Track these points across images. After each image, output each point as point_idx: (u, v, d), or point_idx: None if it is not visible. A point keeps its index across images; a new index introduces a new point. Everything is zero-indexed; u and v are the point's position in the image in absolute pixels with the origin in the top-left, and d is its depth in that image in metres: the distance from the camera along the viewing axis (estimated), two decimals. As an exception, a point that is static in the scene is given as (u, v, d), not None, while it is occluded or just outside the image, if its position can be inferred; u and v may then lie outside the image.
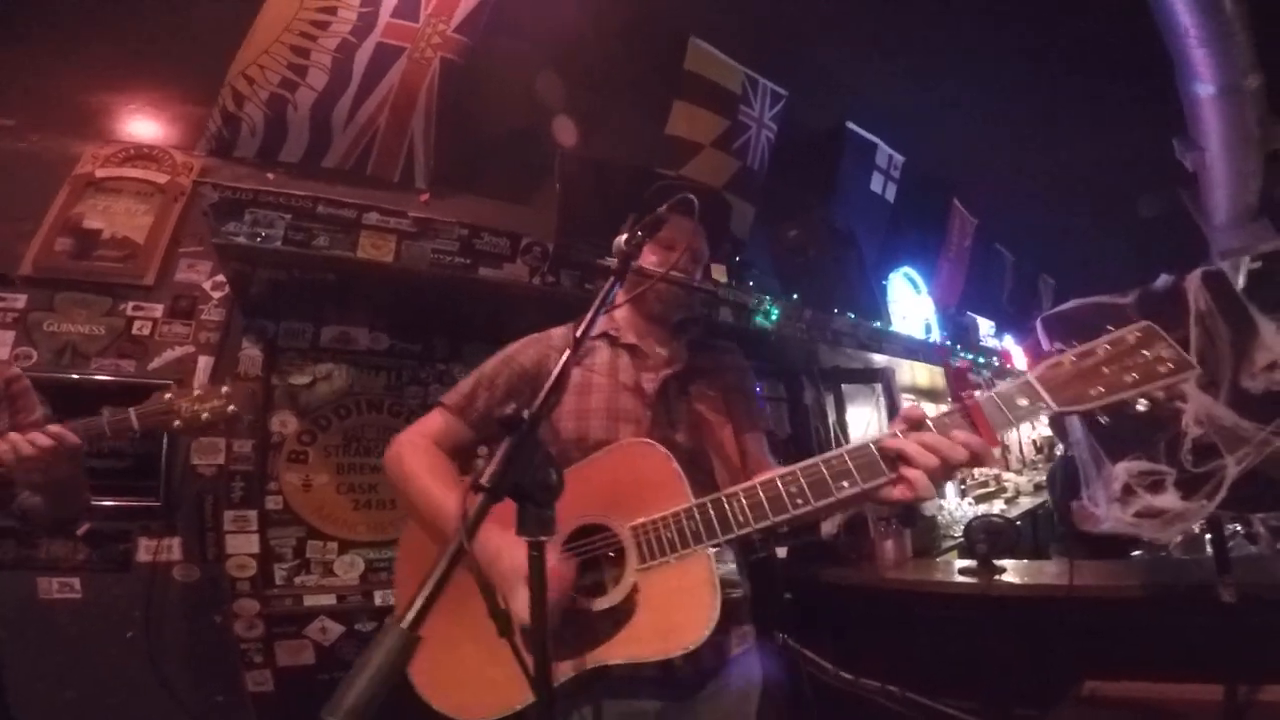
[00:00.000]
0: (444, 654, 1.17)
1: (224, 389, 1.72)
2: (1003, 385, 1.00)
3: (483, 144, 3.59)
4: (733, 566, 1.29)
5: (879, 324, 4.44)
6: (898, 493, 0.99)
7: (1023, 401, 0.98)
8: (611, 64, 3.67)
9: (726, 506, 1.10)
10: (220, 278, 2.90)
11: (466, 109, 3.41)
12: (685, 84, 3.99)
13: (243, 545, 2.66)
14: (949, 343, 4.99)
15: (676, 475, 1.18)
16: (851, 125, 4.75)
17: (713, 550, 1.11)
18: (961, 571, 2.82)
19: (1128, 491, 1.74)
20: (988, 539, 2.81)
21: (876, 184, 5.08)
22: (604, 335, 1.47)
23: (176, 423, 1.64)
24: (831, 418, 4.04)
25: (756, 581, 1.44)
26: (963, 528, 3.15)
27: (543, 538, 0.82)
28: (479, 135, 3.55)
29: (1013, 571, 2.72)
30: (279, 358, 2.99)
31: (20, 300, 2.54)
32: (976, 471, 5.24)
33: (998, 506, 4.78)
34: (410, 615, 0.66)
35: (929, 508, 3.82)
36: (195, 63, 2.80)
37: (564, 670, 1.11)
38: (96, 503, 2.29)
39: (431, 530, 1.28)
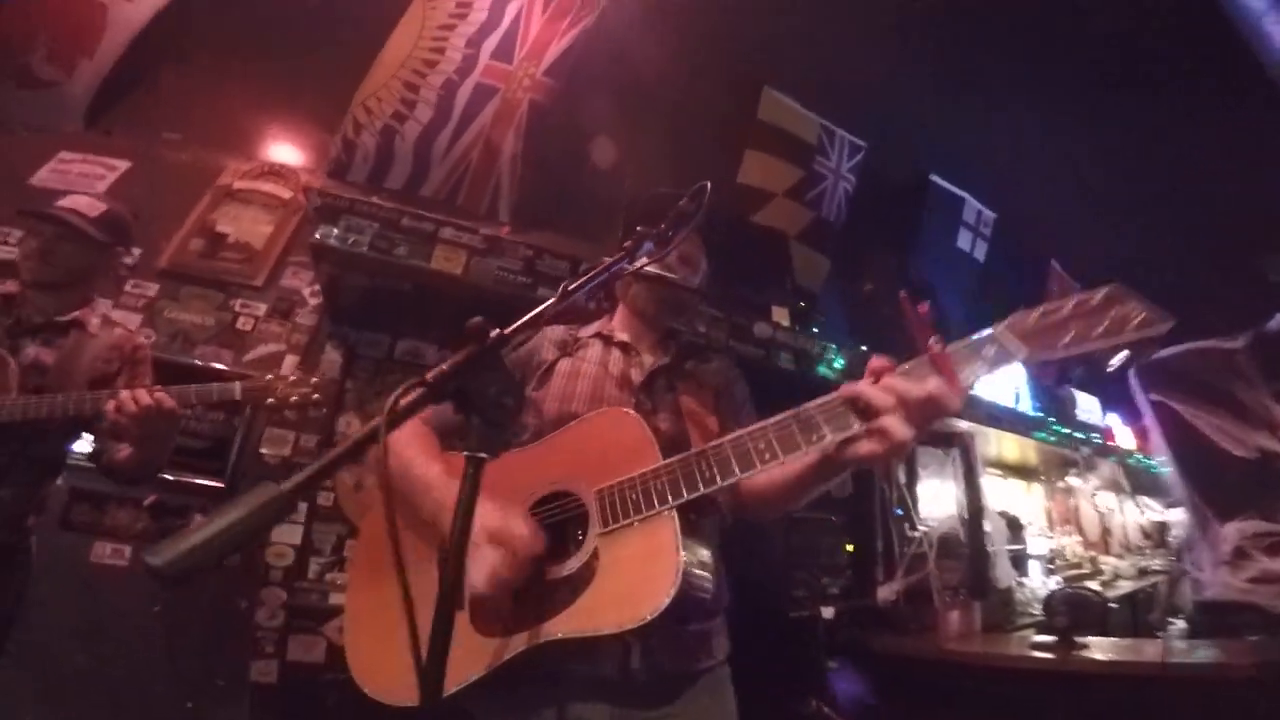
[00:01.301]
0: (381, 635, 1.17)
1: (314, 379, 1.90)
2: (970, 337, 0.95)
3: (560, 183, 3.83)
4: (706, 555, 1.16)
5: None
6: (867, 446, 0.93)
7: (989, 350, 0.93)
8: (685, 111, 3.86)
9: (694, 463, 1.06)
10: (316, 286, 3.23)
11: (548, 149, 3.70)
12: (758, 133, 4.11)
13: (286, 535, 2.75)
14: (1041, 414, 4.53)
15: (647, 439, 1.15)
16: (936, 178, 4.65)
17: (677, 513, 1.04)
18: (1036, 646, 2.46)
19: (1240, 555, 1.50)
20: (1069, 611, 2.47)
21: (964, 241, 4.88)
22: (598, 335, 1.51)
23: (270, 400, 1.81)
24: (901, 480, 3.73)
25: (796, 643, 1.36)
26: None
27: (481, 455, 0.79)
28: (557, 174, 3.81)
29: (1096, 648, 2.34)
30: (356, 364, 3.23)
31: (153, 289, 2.95)
32: (1069, 551, 4.61)
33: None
34: (292, 481, 0.66)
35: (1003, 579, 3.40)
36: (326, 94, 3.27)
37: (515, 645, 1.06)
38: (167, 477, 2.60)
39: (402, 498, 1.26)
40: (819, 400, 1.00)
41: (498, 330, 0.82)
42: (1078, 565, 4.54)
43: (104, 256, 1.94)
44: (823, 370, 3.63)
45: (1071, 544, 4.80)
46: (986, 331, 0.94)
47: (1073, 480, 5.07)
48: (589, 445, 1.22)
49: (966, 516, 3.42)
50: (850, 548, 3.35)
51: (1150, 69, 3.58)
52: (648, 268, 1.38)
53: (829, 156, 4.33)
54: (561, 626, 1.03)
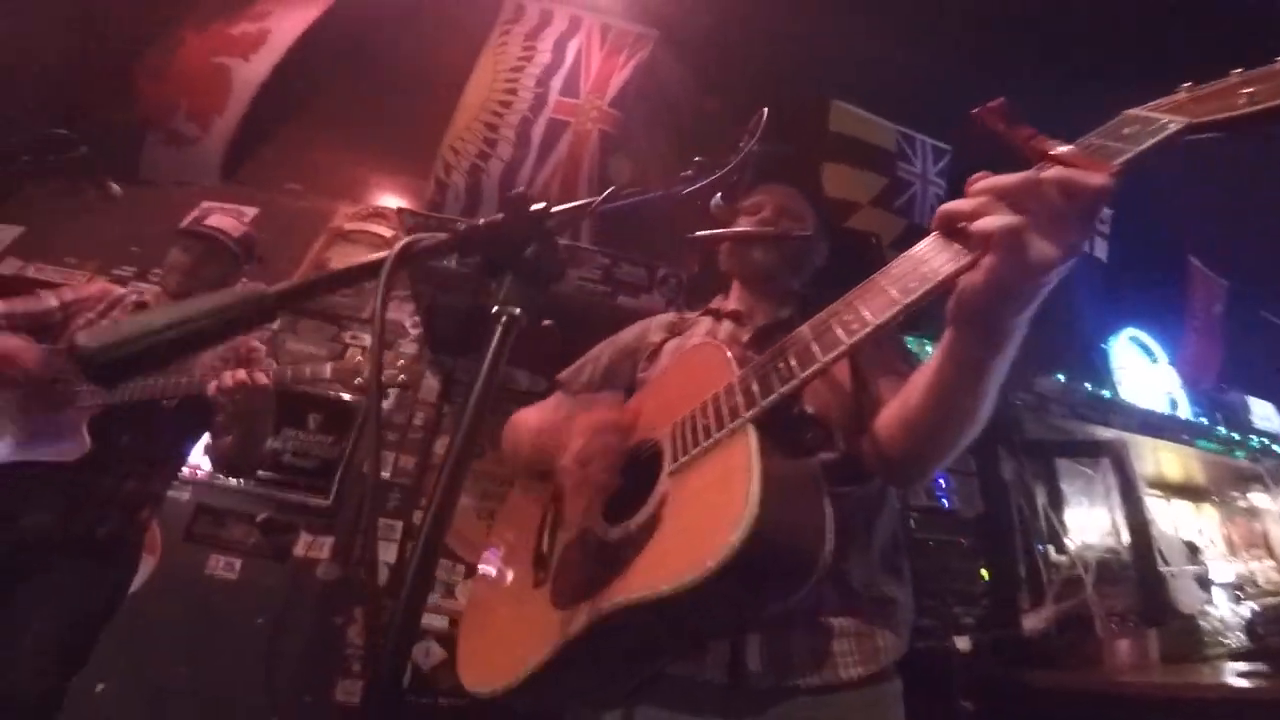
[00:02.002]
0: (480, 625, 1.13)
1: (400, 362, 1.98)
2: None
3: (634, 206, 3.94)
4: (807, 483, 0.83)
5: (1103, 391, 3.61)
6: (985, 264, 0.64)
7: (1131, 128, 0.67)
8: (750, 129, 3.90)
9: (768, 362, 0.84)
10: (417, 317, 3.46)
11: (620, 174, 3.85)
12: (833, 146, 4.06)
13: (383, 553, 2.81)
14: (1205, 420, 3.82)
15: (724, 359, 0.96)
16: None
17: (756, 431, 0.79)
18: (1243, 674, 1.95)
19: None
20: (1284, 632, 1.94)
21: None
22: (707, 312, 1.42)
23: (358, 379, 1.89)
24: (1041, 499, 3.24)
25: (923, 680, 1.14)
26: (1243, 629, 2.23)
27: (516, 310, 0.68)
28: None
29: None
30: (453, 389, 3.38)
31: (276, 322, 3.27)
32: (1260, 577, 3.69)
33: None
34: (279, 287, 0.60)
35: (1186, 604, 2.80)
36: (420, 140, 3.62)
37: (578, 622, 0.86)
38: (279, 495, 2.80)
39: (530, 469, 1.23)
40: (904, 254, 0.74)
41: (543, 204, 0.72)
42: (1274, 593, 3.67)
43: (236, 272, 2.18)
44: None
45: (1263, 569, 3.99)
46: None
47: (1257, 499, 4.23)
48: (671, 386, 1.10)
49: (1129, 536, 2.99)
50: (986, 573, 2.93)
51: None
52: (738, 230, 1.35)
53: (912, 162, 4.18)
54: (622, 591, 0.80)
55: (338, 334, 3.37)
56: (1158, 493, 3.79)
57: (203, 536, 2.74)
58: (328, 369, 1.89)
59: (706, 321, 1.38)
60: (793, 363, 0.81)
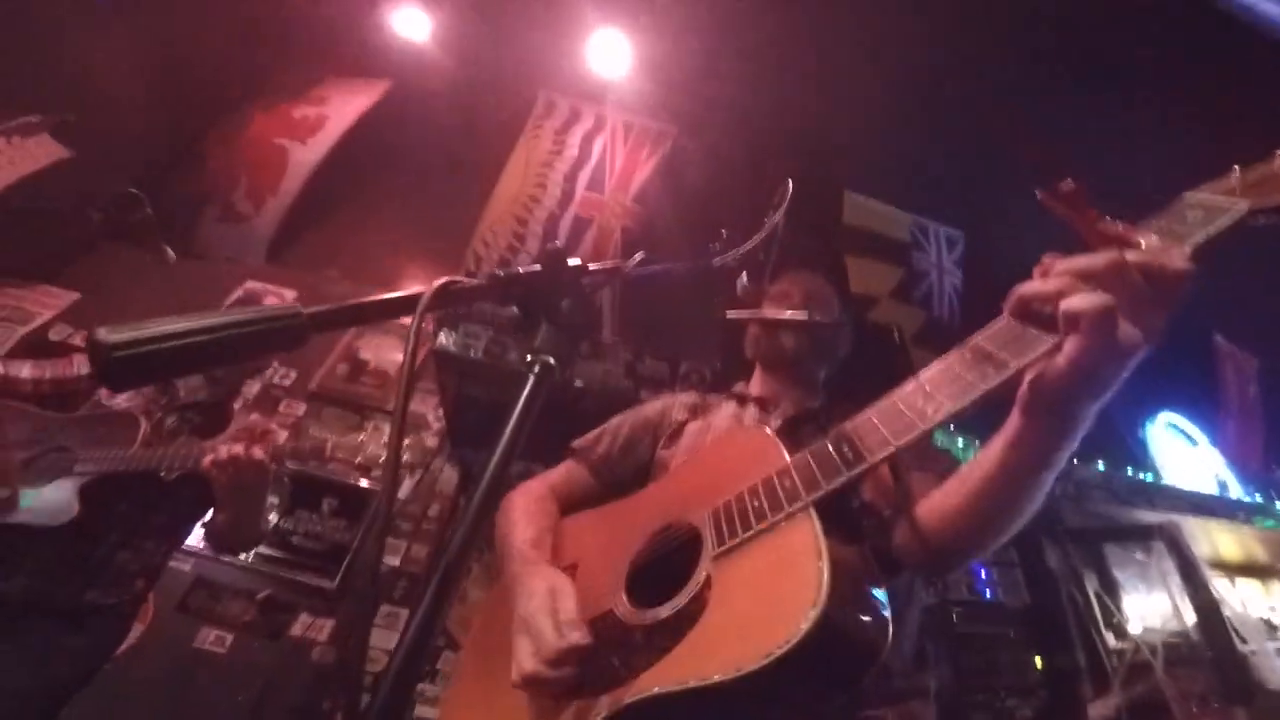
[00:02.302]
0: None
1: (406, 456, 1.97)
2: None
3: (655, 301, 4.05)
4: (867, 575, 0.80)
5: (1145, 475, 3.47)
6: (1071, 348, 0.62)
7: (1194, 212, 0.70)
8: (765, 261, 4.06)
9: (831, 445, 0.81)
10: (440, 410, 3.49)
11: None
12: (847, 238, 4.18)
13: (384, 640, 2.70)
14: (1259, 499, 3.61)
15: (771, 441, 0.94)
16: (1049, 257, 4.30)
17: (817, 514, 0.77)
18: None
19: None
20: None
21: None
22: (731, 395, 1.42)
23: (359, 459, 1.83)
24: (1092, 586, 3.06)
25: None
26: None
27: (550, 360, 0.68)
28: (653, 293, 4.04)
29: None
30: (472, 484, 3.35)
31: (301, 408, 3.31)
32: None
33: None
34: (313, 309, 0.58)
35: (1276, 681, 2.59)
36: (453, 232, 3.81)
37: (590, 716, 0.80)
38: (284, 575, 2.75)
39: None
40: (980, 332, 0.74)
41: (579, 261, 0.75)
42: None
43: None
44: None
45: (1351, 643, 3.57)
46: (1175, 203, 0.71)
47: None
48: (706, 470, 1.06)
49: (1196, 617, 2.86)
50: (1040, 662, 2.80)
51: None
52: (769, 313, 1.39)
53: (927, 251, 4.29)
54: (658, 680, 0.74)
55: (360, 423, 3.39)
56: (1220, 573, 3.59)
57: (197, 609, 2.68)
58: (329, 445, 1.83)
59: (731, 406, 1.37)
60: (859, 447, 0.78)
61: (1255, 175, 0.70)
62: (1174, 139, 3.52)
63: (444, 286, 0.68)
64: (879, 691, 0.94)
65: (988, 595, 2.91)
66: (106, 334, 0.47)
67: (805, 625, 0.64)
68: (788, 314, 1.36)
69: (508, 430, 0.65)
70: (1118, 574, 3.17)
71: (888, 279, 4.22)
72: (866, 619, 0.73)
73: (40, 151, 3.13)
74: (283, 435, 2.06)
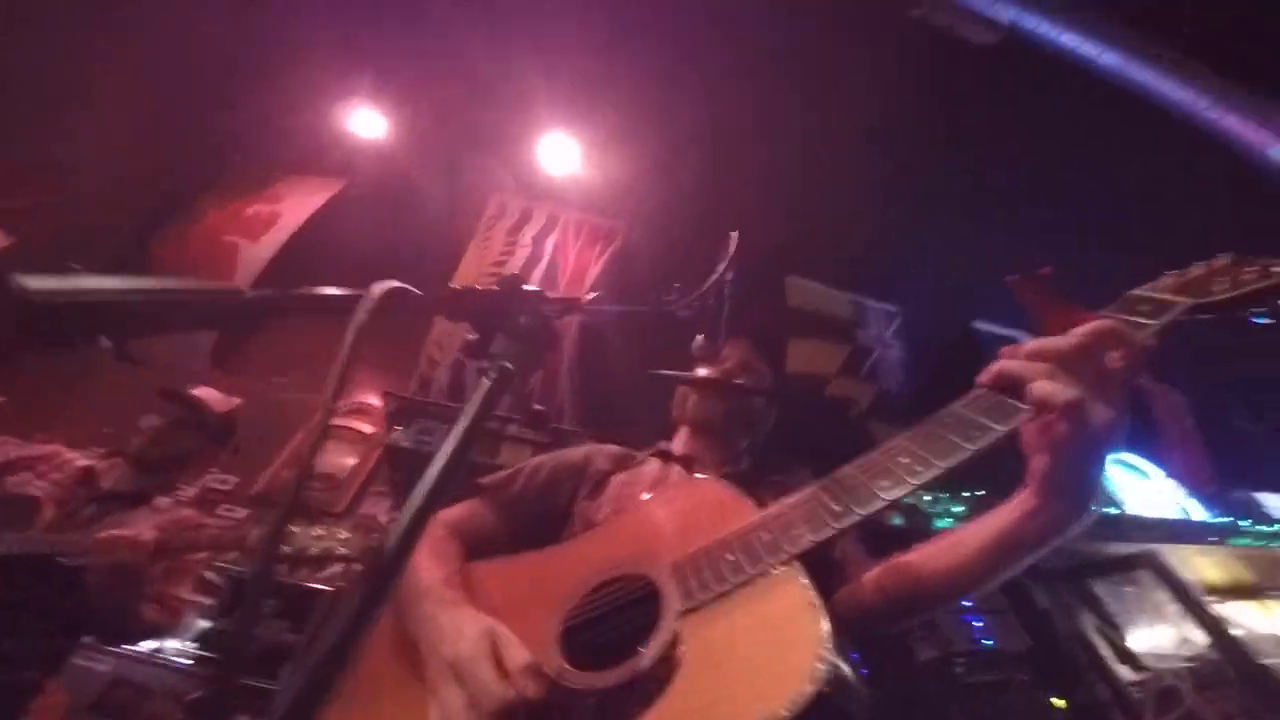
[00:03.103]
0: None
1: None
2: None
3: (613, 389, 4.09)
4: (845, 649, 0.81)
5: (1110, 509, 3.59)
6: (1053, 429, 0.70)
7: (1143, 305, 0.78)
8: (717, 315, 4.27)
9: (816, 498, 0.80)
10: (396, 513, 3.34)
11: (599, 362, 4.06)
12: (794, 321, 4.40)
13: None
14: (1226, 518, 3.73)
15: (738, 496, 0.92)
16: (980, 324, 4.62)
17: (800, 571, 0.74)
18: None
19: None
20: None
21: None
22: (656, 453, 1.39)
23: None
24: (1090, 622, 3.06)
25: None
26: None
27: (508, 365, 0.69)
28: (610, 382, 4.09)
29: None
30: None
31: (242, 513, 3.09)
32: None
33: None
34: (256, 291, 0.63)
35: None
36: (406, 335, 3.81)
37: None
38: (220, 677, 2.44)
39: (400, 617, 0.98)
40: (958, 401, 0.79)
41: (536, 288, 0.77)
42: None
43: (207, 453, 2.13)
44: (943, 524, 3.27)
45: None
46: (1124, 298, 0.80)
47: None
48: (656, 521, 0.98)
49: (1206, 637, 2.88)
50: (1061, 703, 2.73)
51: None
52: (703, 372, 1.45)
53: (867, 327, 4.53)
54: None
55: (306, 526, 3.18)
56: (1212, 598, 3.60)
57: (113, 709, 2.35)
58: (251, 535, 1.71)
59: (656, 463, 1.35)
60: (847, 499, 0.77)
61: (1186, 279, 0.79)
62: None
63: (393, 290, 0.68)
64: None
65: (986, 643, 2.84)
66: (27, 280, 0.46)
67: (808, 685, 0.59)
68: (717, 376, 1.39)
69: (460, 429, 0.63)
70: (1113, 608, 3.20)
71: (835, 357, 4.40)
72: (854, 678, 0.71)
73: (-19, 238, 3.05)
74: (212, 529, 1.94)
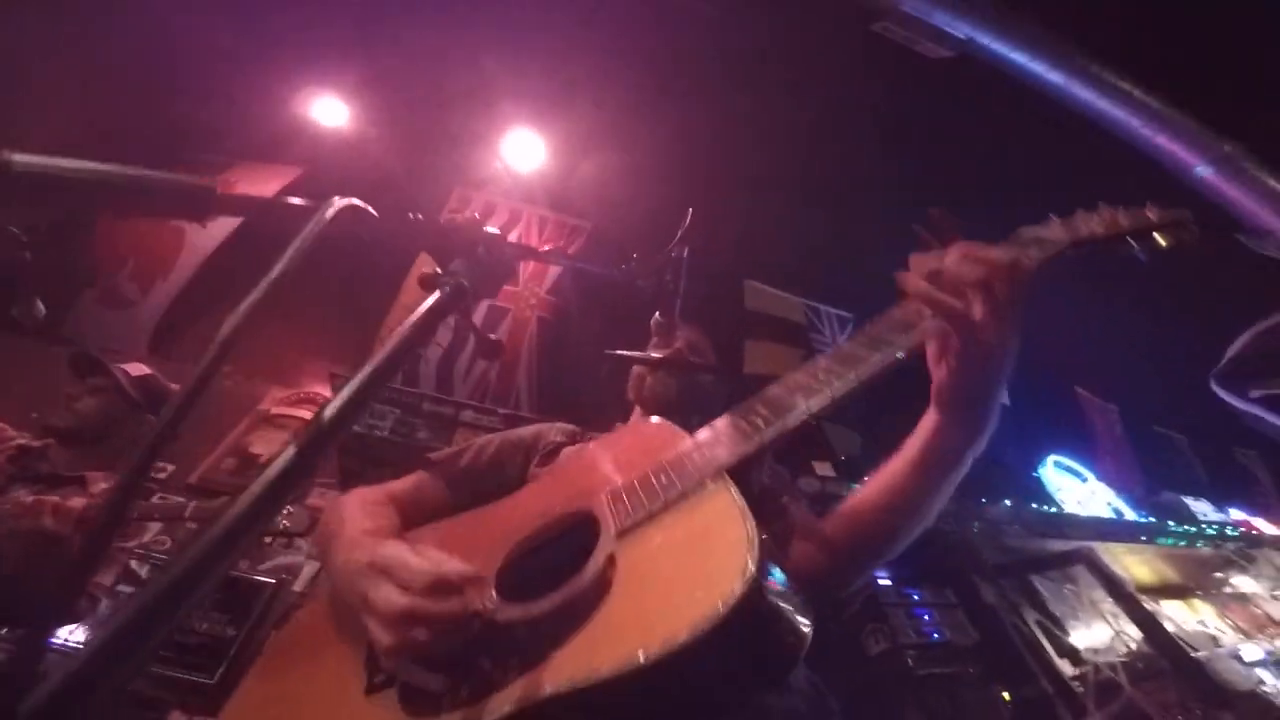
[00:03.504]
0: None
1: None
2: None
3: (572, 385, 4.07)
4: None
5: (1049, 508, 3.76)
6: (948, 336, 0.78)
7: (1026, 234, 0.91)
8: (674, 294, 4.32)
9: (739, 417, 0.82)
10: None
11: (558, 357, 4.04)
12: (750, 323, 4.48)
13: None
14: (1152, 520, 3.99)
15: (670, 427, 0.92)
16: None
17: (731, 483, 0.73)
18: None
19: None
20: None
21: None
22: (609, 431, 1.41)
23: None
24: (1031, 617, 3.17)
25: None
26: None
27: (464, 282, 0.69)
28: (569, 378, 4.07)
29: None
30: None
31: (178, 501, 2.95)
32: None
33: None
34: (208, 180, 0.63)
35: (1241, 684, 2.76)
36: (359, 326, 3.70)
37: None
38: (154, 670, 2.34)
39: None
40: (872, 322, 0.87)
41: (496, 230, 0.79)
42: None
43: (133, 420, 2.01)
44: None
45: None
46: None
47: (1240, 582, 4.21)
48: (597, 463, 0.96)
49: (1139, 631, 3.03)
50: (1007, 695, 2.79)
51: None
52: (655, 353, 1.47)
53: (822, 332, 4.64)
54: (551, 678, 0.61)
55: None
56: (1142, 597, 3.81)
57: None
58: (189, 507, 1.73)
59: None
60: (769, 411, 0.81)
61: (1069, 221, 0.91)
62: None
63: (350, 207, 0.69)
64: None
65: (935, 636, 2.91)
66: (12, 154, 0.50)
67: (739, 585, 0.57)
68: (661, 355, 1.40)
69: (406, 329, 0.64)
70: (1053, 605, 3.33)
71: (791, 359, 4.48)
72: (794, 593, 0.67)
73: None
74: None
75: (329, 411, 0.53)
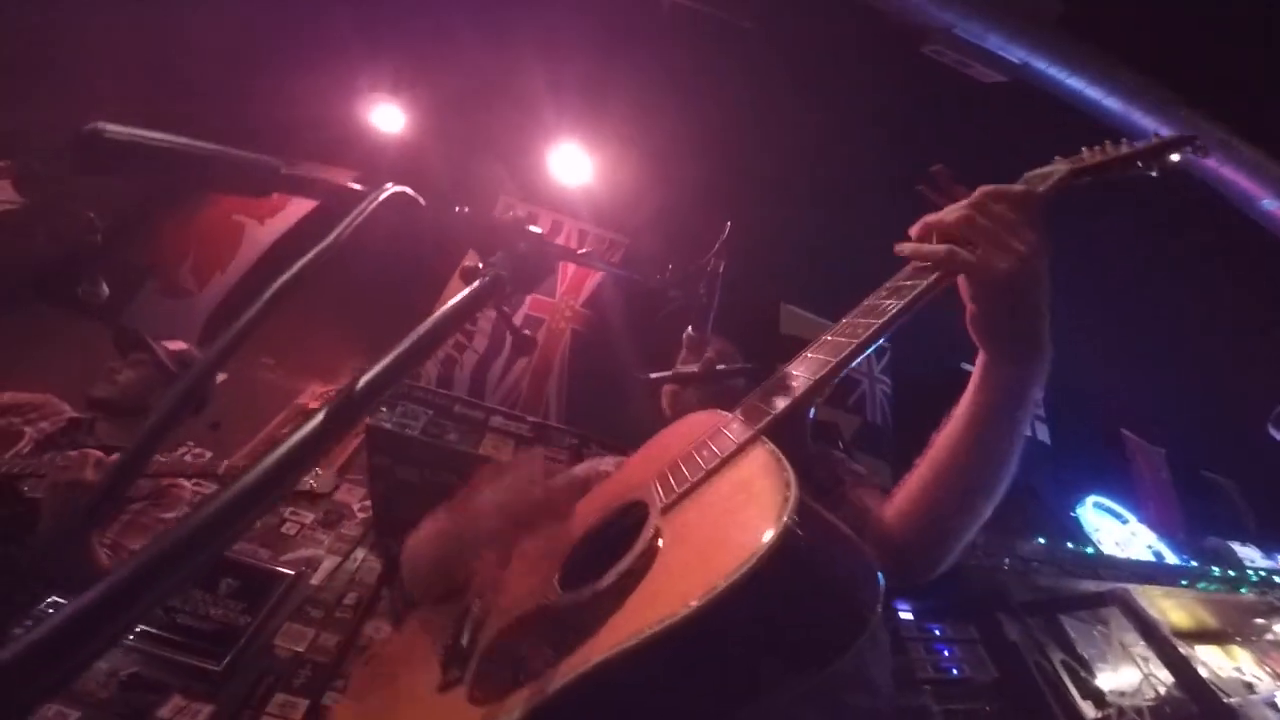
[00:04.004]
0: None
1: None
2: None
3: (602, 400, 4.06)
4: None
5: (1085, 548, 3.59)
6: (980, 272, 0.77)
7: (1035, 175, 0.89)
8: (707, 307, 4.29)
9: (777, 381, 0.84)
10: (367, 501, 3.28)
11: (590, 372, 4.05)
12: (784, 348, 4.41)
13: None
14: (1194, 564, 3.78)
15: (714, 411, 0.91)
16: (968, 366, 4.63)
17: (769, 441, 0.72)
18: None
19: None
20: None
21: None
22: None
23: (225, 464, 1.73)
24: (1057, 656, 3.07)
25: None
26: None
27: (503, 273, 0.73)
28: (600, 393, 4.07)
29: None
30: (395, 575, 3.09)
31: (211, 489, 3.03)
32: None
33: None
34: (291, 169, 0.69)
35: None
36: (400, 329, 3.76)
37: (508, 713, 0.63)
38: (159, 653, 2.43)
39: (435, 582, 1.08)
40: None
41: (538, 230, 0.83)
42: None
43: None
44: None
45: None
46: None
47: None
48: (646, 458, 0.98)
49: (1170, 675, 2.89)
50: None
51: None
52: (682, 368, 1.47)
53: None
54: (600, 648, 0.58)
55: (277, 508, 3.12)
56: (1178, 641, 3.61)
57: None
58: (223, 464, 1.70)
59: None
60: (803, 372, 0.83)
61: (1070, 157, 0.91)
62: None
63: (402, 194, 0.73)
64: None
65: (954, 672, 2.84)
66: (107, 125, 0.54)
67: (771, 528, 0.53)
68: (696, 368, 1.39)
69: (442, 312, 0.65)
70: (1081, 646, 3.21)
71: (823, 386, 4.41)
72: (846, 555, 0.60)
73: (-8, 197, 3.05)
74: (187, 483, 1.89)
75: (360, 383, 0.54)
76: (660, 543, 0.69)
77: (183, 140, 0.59)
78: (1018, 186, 0.83)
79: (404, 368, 0.60)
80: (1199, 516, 5.02)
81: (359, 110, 4.14)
